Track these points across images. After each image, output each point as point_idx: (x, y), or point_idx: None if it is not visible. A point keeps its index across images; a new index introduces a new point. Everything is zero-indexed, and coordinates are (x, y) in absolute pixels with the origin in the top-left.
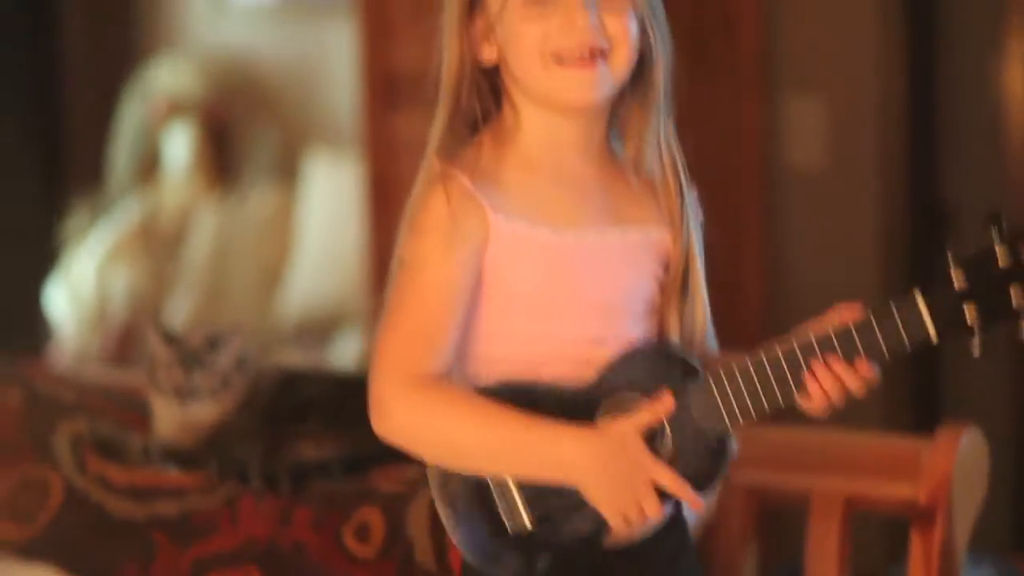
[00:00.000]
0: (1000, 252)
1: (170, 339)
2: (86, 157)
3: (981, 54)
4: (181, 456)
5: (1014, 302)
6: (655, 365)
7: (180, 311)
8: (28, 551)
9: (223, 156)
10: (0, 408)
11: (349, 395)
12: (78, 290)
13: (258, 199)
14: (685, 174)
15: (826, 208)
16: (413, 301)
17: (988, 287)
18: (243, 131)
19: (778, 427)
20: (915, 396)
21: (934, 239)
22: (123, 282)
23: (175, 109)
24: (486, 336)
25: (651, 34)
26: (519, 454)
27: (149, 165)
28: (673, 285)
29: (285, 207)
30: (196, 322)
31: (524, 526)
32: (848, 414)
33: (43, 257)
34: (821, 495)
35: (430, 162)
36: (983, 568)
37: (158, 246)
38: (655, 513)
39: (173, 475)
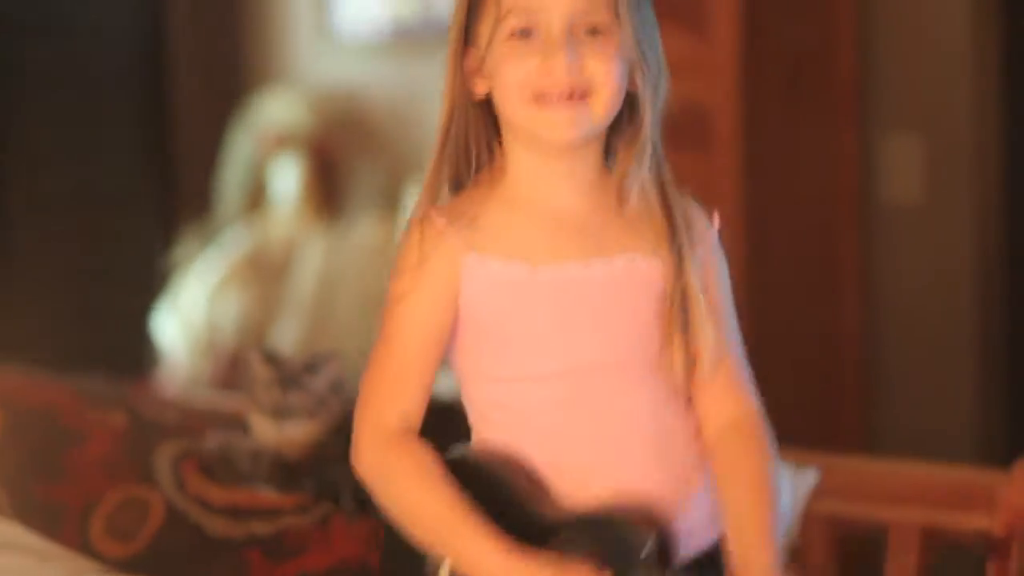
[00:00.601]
0: None
1: (271, 359)
2: (196, 188)
3: None
4: (284, 469)
5: None
6: (614, 542)
7: (287, 337)
8: (129, 568)
9: (330, 187)
10: (105, 430)
11: (441, 421)
12: (188, 317)
13: (364, 229)
14: (675, 203)
15: (923, 243)
16: (387, 344)
17: None
18: (350, 163)
19: (858, 457)
20: (1007, 429)
21: None
22: (233, 309)
23: (283, 142)
24: (473, 377)
25: (639, 76)
26: (451, 545)
27: (257, 196)
28: (670, 317)
29: (390, 237)
30: (302, 348)
31: None
32: (936, 446)
33: (151, 285)
34: (898, 526)
35: (416, 201)
36: None
37: (266, 274)
38: None
39: (269, 495)
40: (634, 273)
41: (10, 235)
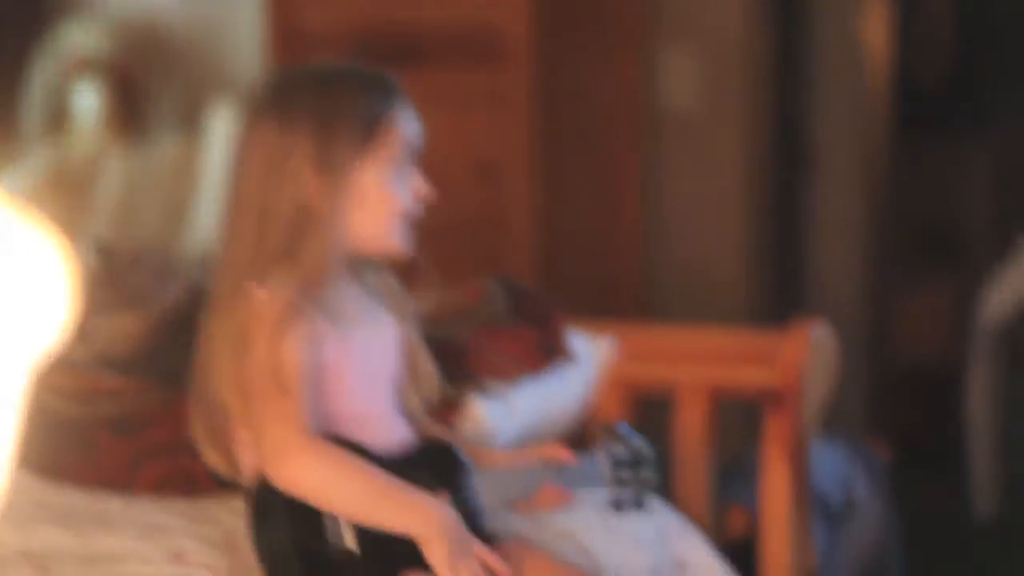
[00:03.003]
0: None
1: (102, 251)
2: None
3: (844, 6)
4: (117, 365)
5: None
6: (441, 467)
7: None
8: None
9: (130, 109)
10: None
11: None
12: None
13: (164, 147)
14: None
15: (699, 149)
16: (292, 382)
17: None
18: (149, 85)
19: (647, 324)
20: (778, 292)
21: (797, 176)
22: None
23: (83, 66)
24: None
25: None
26: (388, 508)
27: (60, 118)
28: (409, 364)
29: (190, 154)
30: None
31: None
32: (715, 308)
33: None
34: (687, 385)
35: (258, 285)
36: (836, 447)
37: (70, 192)
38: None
39: (113, 380)
40: (397, 332)
41: None
